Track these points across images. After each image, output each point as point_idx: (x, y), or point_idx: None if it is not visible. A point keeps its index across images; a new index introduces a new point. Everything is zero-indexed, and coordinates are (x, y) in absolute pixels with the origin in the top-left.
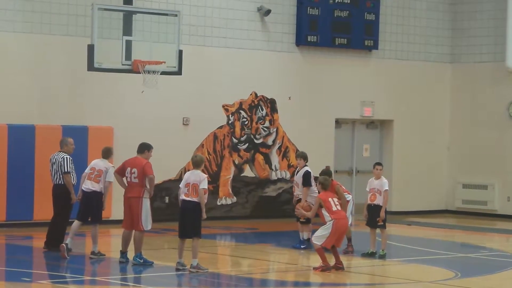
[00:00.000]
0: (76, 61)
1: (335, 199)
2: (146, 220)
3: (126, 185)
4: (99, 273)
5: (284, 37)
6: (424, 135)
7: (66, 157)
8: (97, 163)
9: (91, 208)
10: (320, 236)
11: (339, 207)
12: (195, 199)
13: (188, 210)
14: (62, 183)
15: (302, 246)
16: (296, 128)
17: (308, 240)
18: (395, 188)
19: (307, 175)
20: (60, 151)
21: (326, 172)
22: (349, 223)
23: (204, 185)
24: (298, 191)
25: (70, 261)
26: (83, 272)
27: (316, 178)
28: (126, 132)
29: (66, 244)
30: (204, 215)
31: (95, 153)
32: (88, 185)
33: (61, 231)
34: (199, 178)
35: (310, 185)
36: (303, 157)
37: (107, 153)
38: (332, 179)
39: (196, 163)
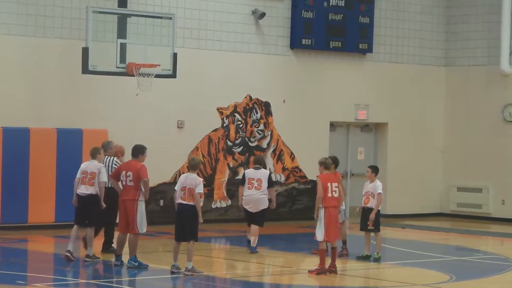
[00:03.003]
0: (70, 64)
1: (334, 184)
2: (141, 223)
3: (121, 188)
4: (94, 276)
5: (278, 40)
6: (419, 138)
7: (116, 161)
8: (87, 165)
9: (89, 211)
10: (319, 233)
11: (335, 194)
12: (191, 203)
13: (185, 213)
14: (110, 185)
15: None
16: (290, 131)
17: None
18: (389, 191)
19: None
20: (106, 156)
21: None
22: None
23: (200, 189)
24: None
25: (65, 264)
26: (78, 275)
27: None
28: (120, 135)
29: (69, 251)
30: (201, 219)
31: (89, 156)
32: (82, 189)
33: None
34: (195, 182)
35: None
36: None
37: (94, 153)
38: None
39: (193, 166)
